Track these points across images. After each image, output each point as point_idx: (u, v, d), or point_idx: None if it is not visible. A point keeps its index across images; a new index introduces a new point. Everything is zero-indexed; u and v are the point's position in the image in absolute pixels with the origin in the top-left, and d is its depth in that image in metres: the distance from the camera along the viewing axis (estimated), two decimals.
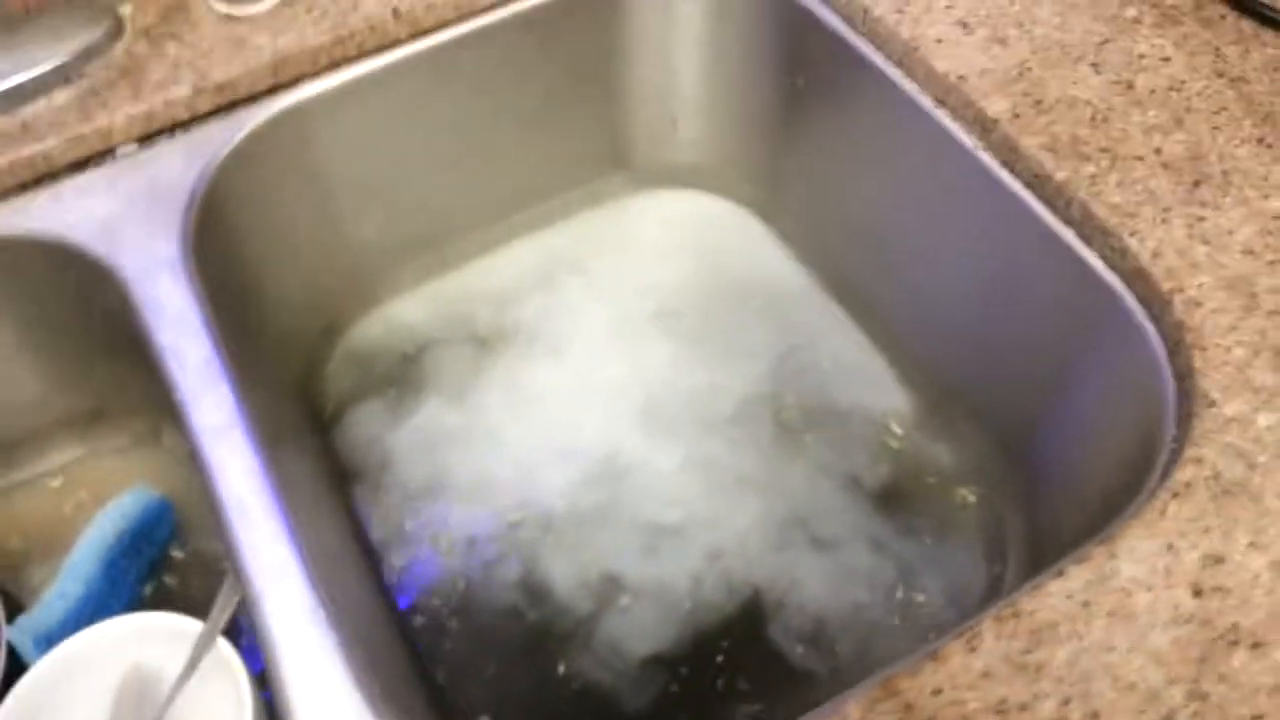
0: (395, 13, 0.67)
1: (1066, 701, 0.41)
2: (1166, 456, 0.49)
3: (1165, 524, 0.45)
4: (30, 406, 0.71)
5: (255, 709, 0.57)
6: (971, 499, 0.72)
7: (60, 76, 0.62)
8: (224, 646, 0.59)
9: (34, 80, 0.61)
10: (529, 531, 0.71)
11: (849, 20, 0.67)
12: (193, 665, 0.59)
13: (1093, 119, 0.59)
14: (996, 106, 0.60)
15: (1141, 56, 0.61)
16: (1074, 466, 0.61)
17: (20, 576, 0.70)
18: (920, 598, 0.68)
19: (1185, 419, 0.49)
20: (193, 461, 0.53)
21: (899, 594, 0.69)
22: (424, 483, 0.73)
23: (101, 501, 0.68)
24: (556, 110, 0.78)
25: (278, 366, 0.71)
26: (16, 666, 0.60)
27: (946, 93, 0.62)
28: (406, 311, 0.80)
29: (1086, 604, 0.43)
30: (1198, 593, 0.43)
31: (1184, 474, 0.47)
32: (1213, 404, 0.48)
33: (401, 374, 0.78)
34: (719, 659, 0.65)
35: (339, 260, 0.76)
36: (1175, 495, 0.46)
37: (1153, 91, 0.60)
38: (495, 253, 0.83)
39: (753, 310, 0.81)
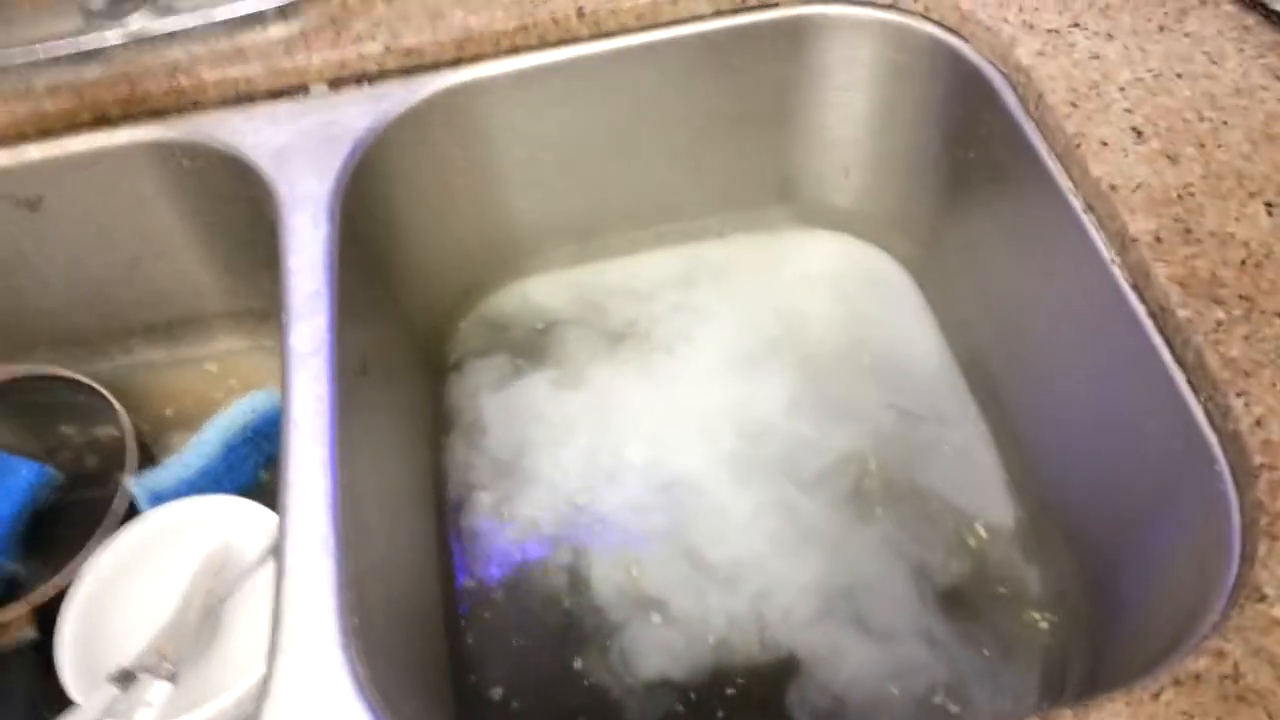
0: (580, 11, 0.70)
1: None
2: (1199, 639, 0.45)
3: (1155, 708, 0.42)
4: (202, 296, 0.80)
5: None
6: (1043, 624, 0.67)
7: (280, 14, 0.70)
8: None
9: (257, 13, 0.70)
10: (589, 528, 0.73)
11: (1023, 102, 0.64)
12: (267, 555, 0.66)
13: (1243, 262, 0.53)
14: (1140, 225, 0.56)
15: None
16: (1141, 614, 0.56)
17: (162, 441, 0.79)
18: (955, 708, 0.65)
19: (1231, 605, 0.45)
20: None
21: (935, 699, 0.66)
22: (511, 453, 0.77)
23: (249, 392, 0.75)
24: (726, 132, 0.79)
25: (407, 317, 0.77)
26: (131, 513, 0.69)
27: (1096, 199, 0.58)
28: (544, 291, 0.84)
29: None
30: None
31: (1198, 663, 0.43)
32: (1263, 599, 0.44)
33: (524, 349, 0.82)
34: (728, 697, 0.65)
35: (489, 232, 0.81)
36: (1178, 682, 0.42)
37: None
38: (640, 255, 0.85)
39: (880, 366, 0.79)
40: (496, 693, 0.67)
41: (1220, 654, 0.43)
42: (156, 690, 0.60)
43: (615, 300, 0.84)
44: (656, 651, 0.68)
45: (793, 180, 0.83)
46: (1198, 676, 0.42)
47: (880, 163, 0.80)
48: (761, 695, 0.66)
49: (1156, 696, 0.42)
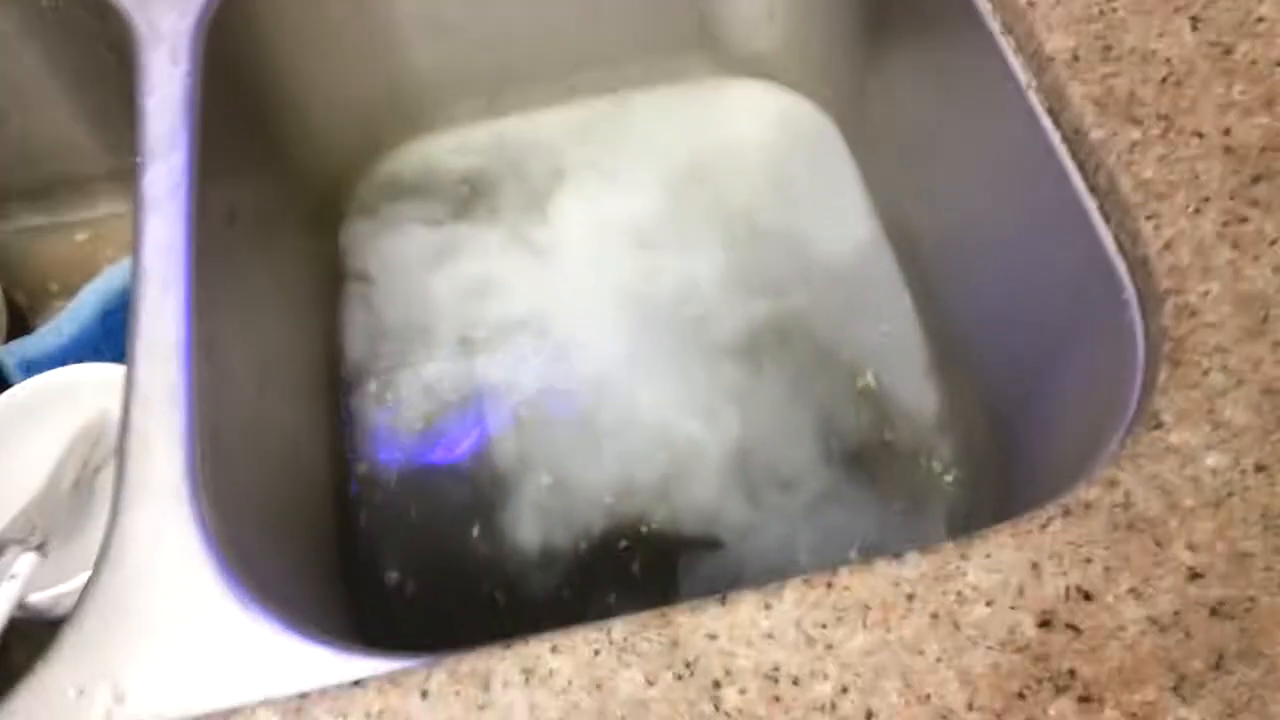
0: None
1: (844, 690, 0.37)
2: (1095, 471, 0.42)
3: (1041, 539, 0.39)
4: (79, 153, 0.75)
5: None
6: (949, 479, 0.65)
7: None
8: None
9: None
10: (488, 395, 0.69)
11: None
12: None
13: (1164, 80, 0.50)
14: (1058, 43, 0.51)
15: (1260, 20, 0.51)
16: (1045, 455, 0.54)
17: (43, 314, 0.75)
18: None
19: (1128, 435, 0.42)
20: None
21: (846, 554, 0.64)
22: (404, 317, 0.73)
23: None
24: None
25: (297, 171, 0.72)
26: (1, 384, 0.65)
27: (1015, 19, 0.54)
28: (447, 149, 0.80)
29: (911, 596, 0.38)
30: (1045, 623, 0.38)
31: (1088, 493, 0.40)
32: (1159, 425, 0.41)
33: (424, 210, 0.77)
34: (624, 562, 0.63)
35: (387, 84, 0.75)
36: (1067, 513, 0.40)
37: (1254, 63, 0.50)
38: (549, 109, 0.80)
39: (802, 219, 0.75)
40: (392, 576, 0.64)
41: (1112, 483, 0.40)
42: (22, 561, 0.57)
43: (523, 158, 0.79)
44: (551, 515, 0.66)
45: (713, 24, 0.78)
46: (1087, 506, 0.40)
47: (803, 8, 0.74)
48: (663, 563, 0.63)
49: (1044, 527, 0.40)
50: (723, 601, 0.39)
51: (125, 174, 0.75)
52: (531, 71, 0.79)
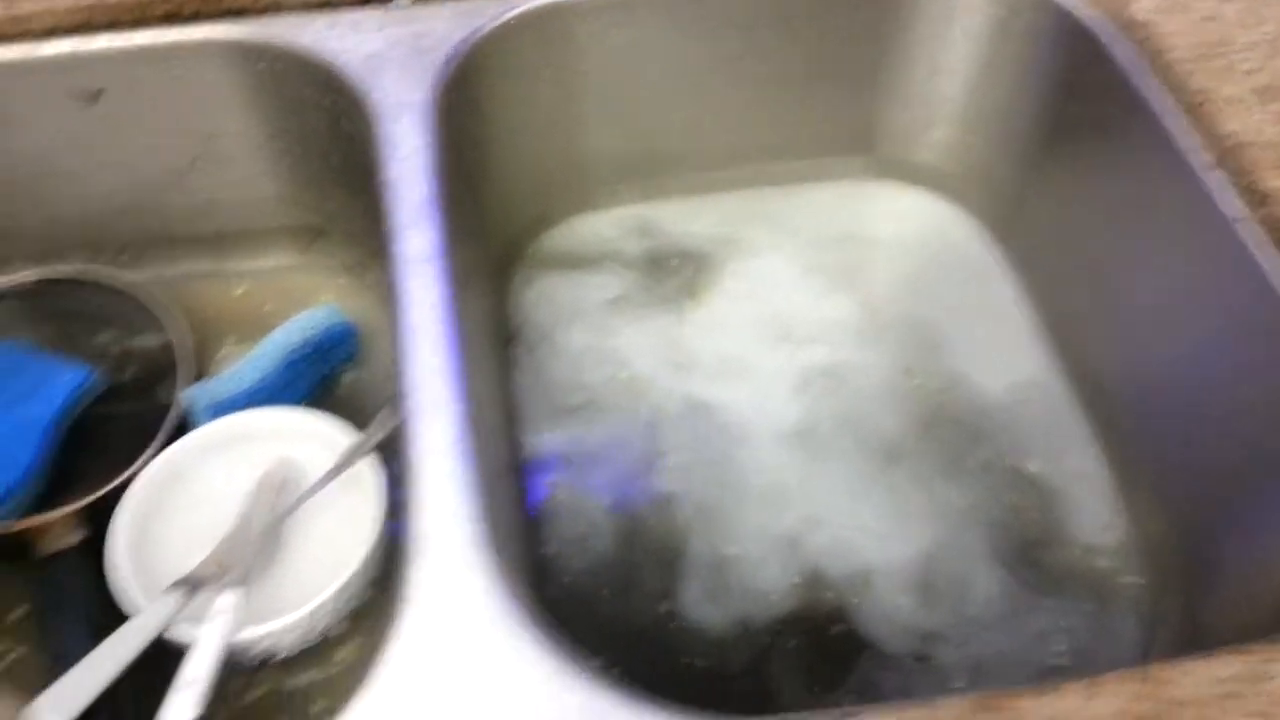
0: None
1: None
2: None
3: None
4: (256, 207, 0.76)
5: (379, 529, 0.60)
6: (1134, 582, 0.66)
7: None
8: (370, 464, 0.62)
9: None
10: (656, 470, 0.70)
11: (1140, 59, 0.64)
12: (339, 469, 0.63)
13: None
14: (1274, 183, 0.56)
15: None
16: (1243, 583, 0.57)
17: (213, 355, 0.75)
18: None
19: None
20: (389, 293, 0.56)
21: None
22: (570, 384, 0.74)
23: (297, 311, 0.73)
24: (814, 78, 0.78)
25: (488, 236, 0.74)
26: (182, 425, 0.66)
27: (1225, 155, 0.58)
28: (609, 225, 0.82)
29: (1229, 695, 0.40)
30: None
31: None
32: None
33: (587, 281, 0.80)
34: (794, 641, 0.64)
35: (565, 160, 0.78)
36: None
37: None
38: (707, 196, 0.83)
39: (956, 325, 0.77)
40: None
41: None
42: (227, 598, 0.57)
43: (678, 240, 0.82)
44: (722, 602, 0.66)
45: (873, 132, 0.82)
46: None
47: (969, 119, 0.79)
48: (842, 661, 0.64)
49: None
50: (1052, 689, 0.40)
51: (295, 230, 0.78)
52: (693, 159, 0.82)
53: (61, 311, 0.72)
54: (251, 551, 0.61)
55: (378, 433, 0.63)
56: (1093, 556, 0.67)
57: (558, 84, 0.73)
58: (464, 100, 0.66)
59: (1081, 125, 0.70)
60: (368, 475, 0.63)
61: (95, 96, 0.68)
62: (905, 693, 0.61)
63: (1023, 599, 0.65)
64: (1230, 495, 0.59)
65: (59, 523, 0.61)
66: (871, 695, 0.61)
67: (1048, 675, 0.62)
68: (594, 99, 0.76)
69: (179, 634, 0.56)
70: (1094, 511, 0.69)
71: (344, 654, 0.62)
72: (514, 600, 0.44)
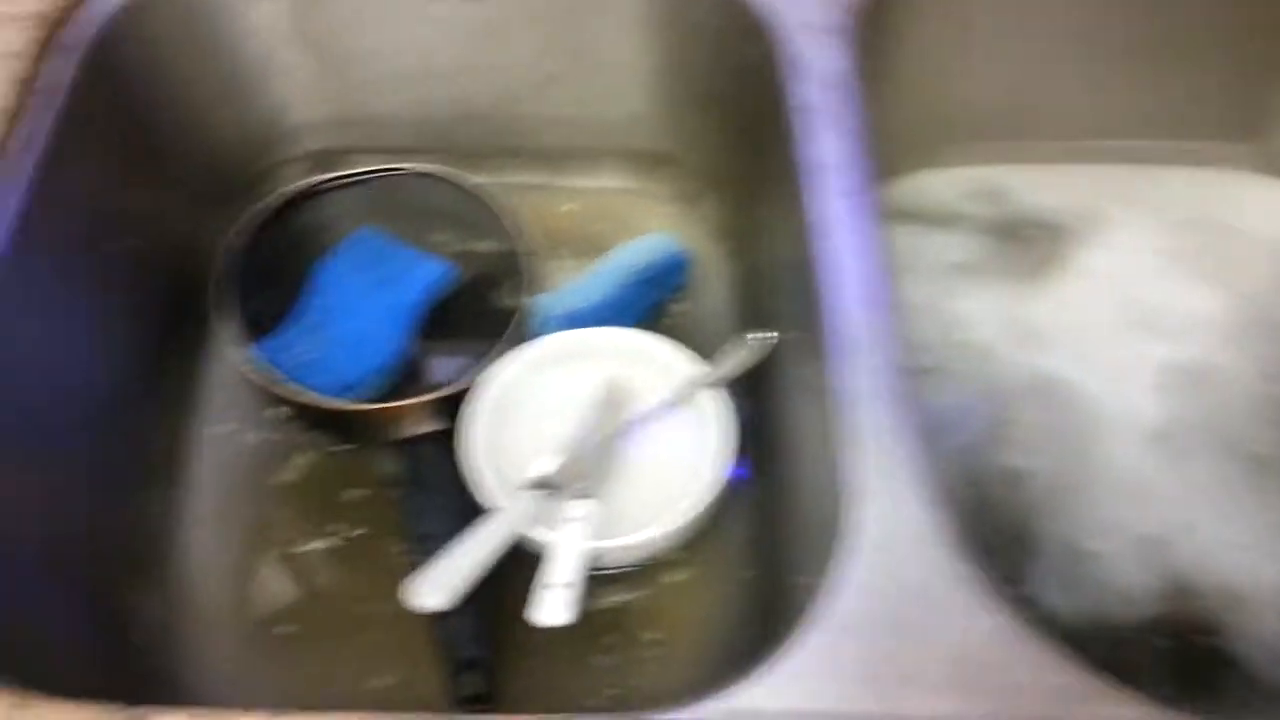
0: None
1: None
2: None
3: None
4: (614, 126, 0.75)
5: (725, 466, 0.59)
6: None
7: None
8: (716, 399, 0.61)
9: None
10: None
11: None
12: (684, 396, 0.62)
13: None
14: None
15: None
16: None
17: (548, 267, 0.75)
18: None
19: None
20: (803, 228, 0.53)
21: None
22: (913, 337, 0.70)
23: (626, 235, 0.72)
24: (1201, 51, 0.72)
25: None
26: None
27: None
28: (957, 182, 0.78)
29: None
30: None
31: None
32: None
33: (930, 239, 0.76)
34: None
35: (935, 107, 0.74)
36: None
37: None
38: (1070, 166, 0.78)
39: None
40: None
41: None
42: (584, 507, 0.57)
43: (1030, 209, 0.77)
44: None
45: (1263, 118, 0.75)
46: None
47: None
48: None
49: None
50: None
51: (642, 156, 0.77)
52: (1055, 125, 0.77)
53: (407, 206, 0.73)
54: (600, 464, 0.60)
55: (729, 363, 0.62)
56: None
57: (951, 28, 0.69)
58: (881, 30, 0.63)
59: None
60: (711, 409, 0.61)
61: None
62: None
63: None
64: None
65: (419, 409, 0.61)
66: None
67: None
68: (973, 50, 0.71)
69: (533, 534, 0.56)
70: None
71: (672, 577, 0.61)
72: (962, 547, 0.41)
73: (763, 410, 0.61)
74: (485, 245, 0.71)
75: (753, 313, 0.69)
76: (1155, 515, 0.63)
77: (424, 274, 0.68)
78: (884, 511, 0.43)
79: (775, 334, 0.61)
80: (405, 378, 0.66)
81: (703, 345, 0.64)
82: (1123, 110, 0.76)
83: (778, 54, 0.60)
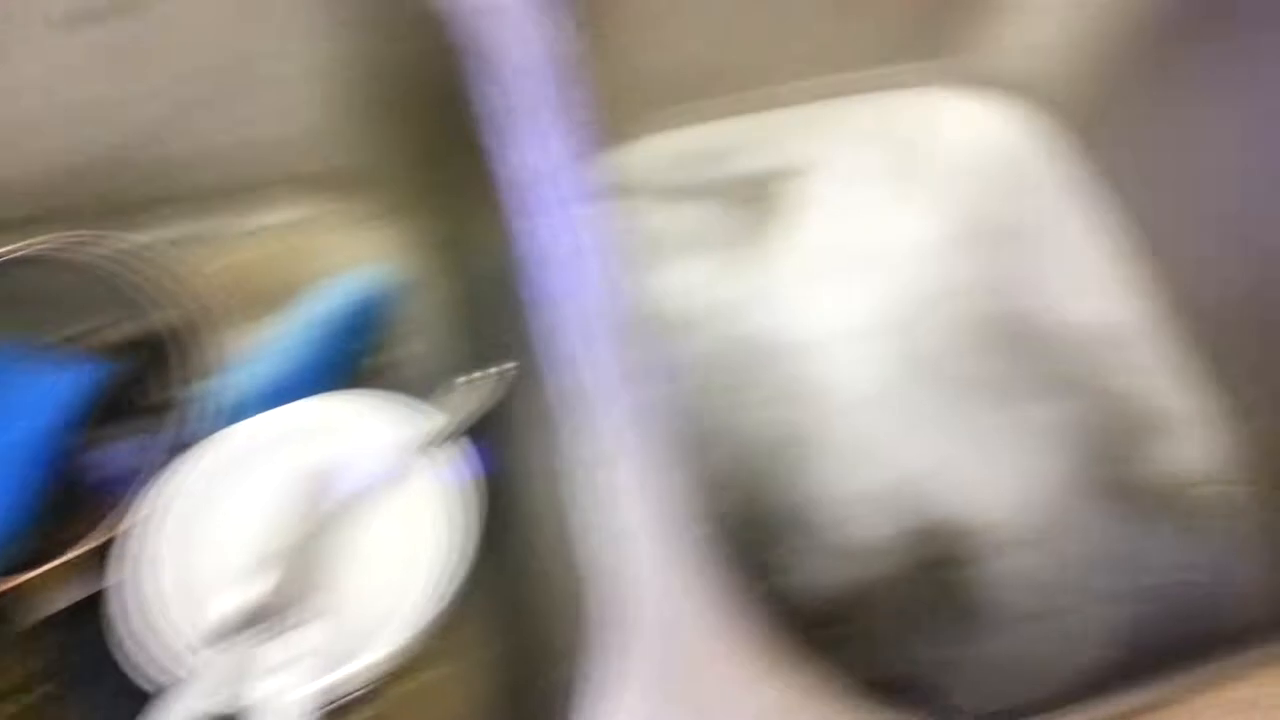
0: None
1: None
2: None
3: None
4: (287, 147, 0.63)
5: (464, 529, 0.49)
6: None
7: None
8: (448, 452, 0.51)
9: None
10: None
11: None
12: (406, 459, 0.51)
13: None
14: None
15: None
16: None
17: (239, 332, 0.61)
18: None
19: None
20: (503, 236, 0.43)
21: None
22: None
23: (313, 275, 0.61)
24: None
25: None
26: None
27: None
28: (663, 148, 0.72)
29: None
30: None
31: None
32: None
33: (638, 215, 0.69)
34: None
35: (626, 78, 0.67)
36: None
37: None
38: (780, 110, 0.73)
39: (1031, 235, 0.70)
40: None
41: None
42: (314, 633, 0.46)
43: (739, 162, 0.72)
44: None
45: (949, 36, 0.73)
46: None
47: (1052, 17, 0.70)
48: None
49: None
50: None
51: (330, 175, 0.66)
52: (750, 75, 0.72)
53: (19, 299, 0.57)
54: (313, 577, 0.48)
55: (454, 412, 0.51)
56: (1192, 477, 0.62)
57: None
58: (570, 6, 0.53)
59: (1205, 19, 0.61)
60: (441, 472, 0.51)
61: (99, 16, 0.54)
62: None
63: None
64: None
65: (58, 575, 0.47)
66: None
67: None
68: (669, 15, 0.64)
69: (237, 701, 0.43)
70: (1193, 434, 0.64)
71: (417, 682, 0.52)
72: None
73: (502, 458, 0.52)
74: (128, 330, 0.57)
75: (477, 345, 0.59)
76: (895, 462, 0.62)
77: (49, 391, 0.53)
78: (644, 574, 0.33)
79: (508, 366, 0.51)
80: (42, 535, 0.50)
81: (428, 393, 0.54)
82: (819, 48, 0.72)
83: (463, 43, 0.50)
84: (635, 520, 0.37)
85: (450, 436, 0.51)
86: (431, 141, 0.58)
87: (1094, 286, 0.68)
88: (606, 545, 0.36)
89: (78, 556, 0.47)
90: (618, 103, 0.68)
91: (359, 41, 0.57)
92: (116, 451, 0.52)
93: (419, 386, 0.55)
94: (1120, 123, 0.70)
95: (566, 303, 0.40)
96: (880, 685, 0.36)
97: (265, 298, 0.61)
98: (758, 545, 0.57)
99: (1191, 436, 0.63)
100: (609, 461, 0.37)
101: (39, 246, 0.56)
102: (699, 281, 0.67)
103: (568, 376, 0.39)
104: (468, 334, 0.60)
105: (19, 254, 0.56)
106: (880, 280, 0.68)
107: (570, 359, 0.39)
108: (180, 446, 0.50)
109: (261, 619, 0.45)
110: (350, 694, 0.47)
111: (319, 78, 0.60)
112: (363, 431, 0.52)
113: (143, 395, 0.55)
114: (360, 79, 0.60)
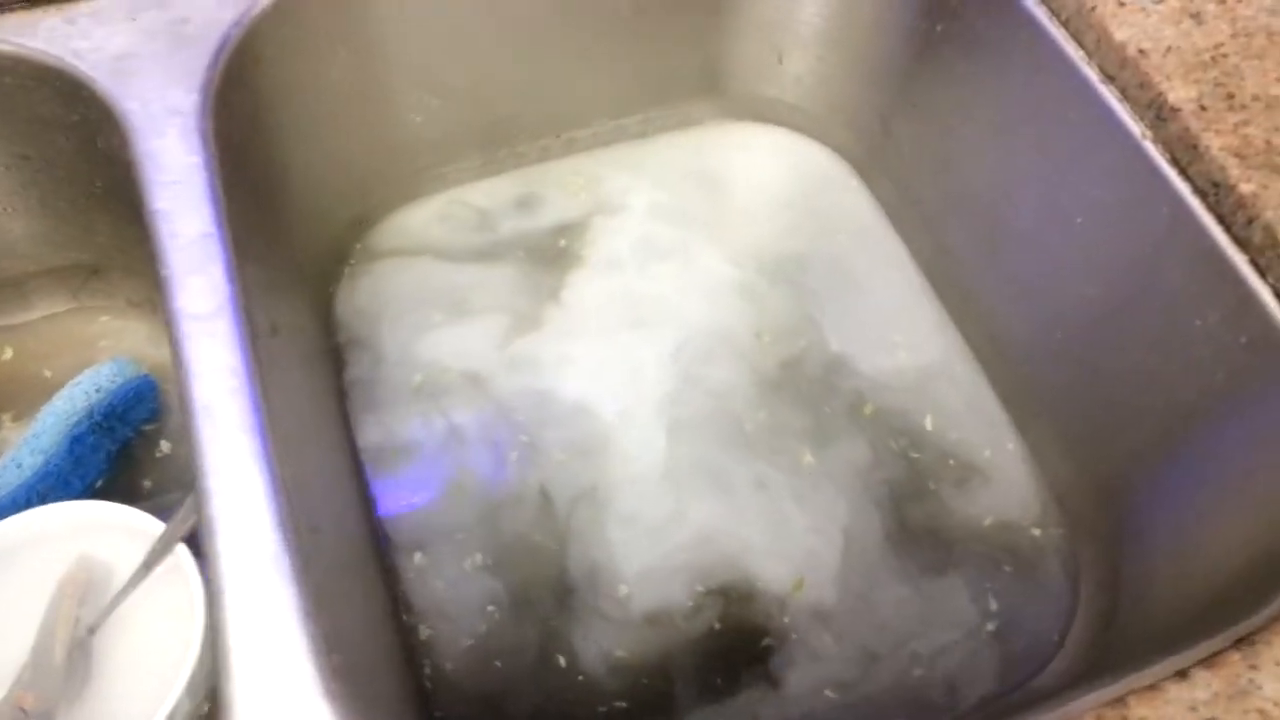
0: None
1: None
2: None
3: None
4: (17, 251, 0.63)
5: (207, 625, 0.50)
6: (1037, 530, 0.61)
7: None
8: (184, 555, 0.52)
9: None
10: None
11: None
12: (147, 568, 0.53)
13: None
14: (1180, 93, 0.49)
15: None
16: (1185, 529, 0.52)
17: None
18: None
19: None
20: (173, 358, 0.45)
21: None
22: (407, 382, 0.65)
23: (85, 367, 0.60)
24: (650, 20, 0.69)
25: (297, 259, 0.63)
26: None
27: (1120, 67, 0.52)
28: (440, 208, 0.72)
29: None
30: None
31: None
32: None
33: (421, 281, 0.69)
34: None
35: (381, 145, 0.67)
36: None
37: None
38: (556, 162, 0.74)
39: (825, 272, 0.71)
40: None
41: None
42: None
43: (516, 220, 0.72)
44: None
45: (723, 70, 0.74)
46: None
47: (828, 47, 0.71)
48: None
49: None
50: None
51: (63, 271, 0.66)
52: (527, 127, 0.73)
53: None
54: (57, 681, 0.50)
55: (187, 521, 0.52)
56: (1000, 519, 0.62)
57: (356, 61, 0.61)
58: (244, 99, 0.55)
59: (950, 43, 0.63)
60: (186, 566, 0.52)
61: None
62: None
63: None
64: (1149, 449, 0.54)
65: None
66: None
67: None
68: (403, 73, 0.64)
69: None
70: (1001, 473, 0.63)
71: None
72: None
73: None
74: None
75: None
76: (690, 521, 0.61)
77: None
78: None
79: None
80: None
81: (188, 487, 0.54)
82: (590, 92, 0.72)
83: (133, 150, 0.51)
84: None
85: (174, 546, 0.52)
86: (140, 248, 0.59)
87: (900, 324, 0.68)
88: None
89: None
90: (382, 168, 0.69)
91: (41, 138, 0.58)
92: None
93: (179, 481, 0.57)
94: (906, 154, 0.71)
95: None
96: None
97: (33, 397, 0.61)
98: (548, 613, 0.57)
99: (1004, 479, 0.62)
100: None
101: None
102: (487, 340, 0.67)
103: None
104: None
105: None
106: (672, 331, 0.68)
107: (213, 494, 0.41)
108: None
109: None
110: None
111: (18, 178, 0.60)
112: (123, 526, 0.54)
113: None
114: (54, 176, 0.60)
